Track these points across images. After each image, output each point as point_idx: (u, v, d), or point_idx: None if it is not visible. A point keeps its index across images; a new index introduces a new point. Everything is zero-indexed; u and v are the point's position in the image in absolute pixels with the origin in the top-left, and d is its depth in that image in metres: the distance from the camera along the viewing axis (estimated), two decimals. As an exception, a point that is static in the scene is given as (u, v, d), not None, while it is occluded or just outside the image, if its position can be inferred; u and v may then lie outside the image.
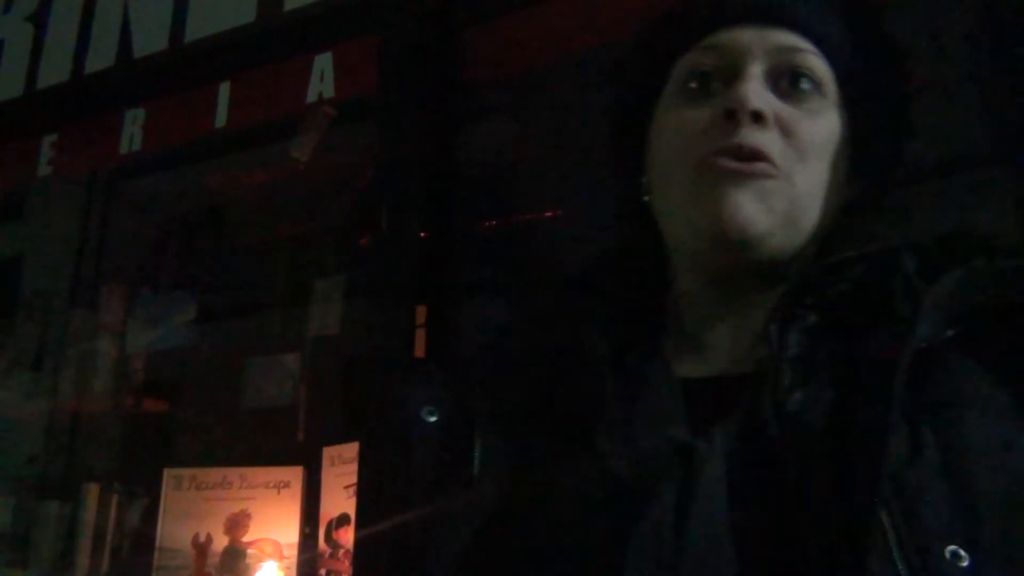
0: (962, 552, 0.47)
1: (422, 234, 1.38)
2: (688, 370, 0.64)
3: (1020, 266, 0.59)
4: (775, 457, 0.53)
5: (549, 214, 1.74)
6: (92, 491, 1.86)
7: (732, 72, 0.64)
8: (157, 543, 1.72)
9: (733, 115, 0.62)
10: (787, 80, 0.64)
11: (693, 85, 0.66)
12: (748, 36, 0.65)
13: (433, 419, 0.65)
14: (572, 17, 1.45)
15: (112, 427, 2.08)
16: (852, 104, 0.66)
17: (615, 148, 0.76)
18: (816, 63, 0.65)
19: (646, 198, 0.70)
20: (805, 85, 0.64)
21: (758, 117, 0.61)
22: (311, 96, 1.60)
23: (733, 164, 0.61)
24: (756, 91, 0.62)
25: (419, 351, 1.32)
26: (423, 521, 0.62)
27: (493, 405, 0.65)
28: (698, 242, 0.64)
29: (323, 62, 1.60)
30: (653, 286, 0.70)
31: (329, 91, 1.59)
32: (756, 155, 0.61)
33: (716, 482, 0.53)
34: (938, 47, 1.45)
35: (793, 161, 0.62)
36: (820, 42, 0.66)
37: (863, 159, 0.67)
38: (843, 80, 0.66)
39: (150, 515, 1.78)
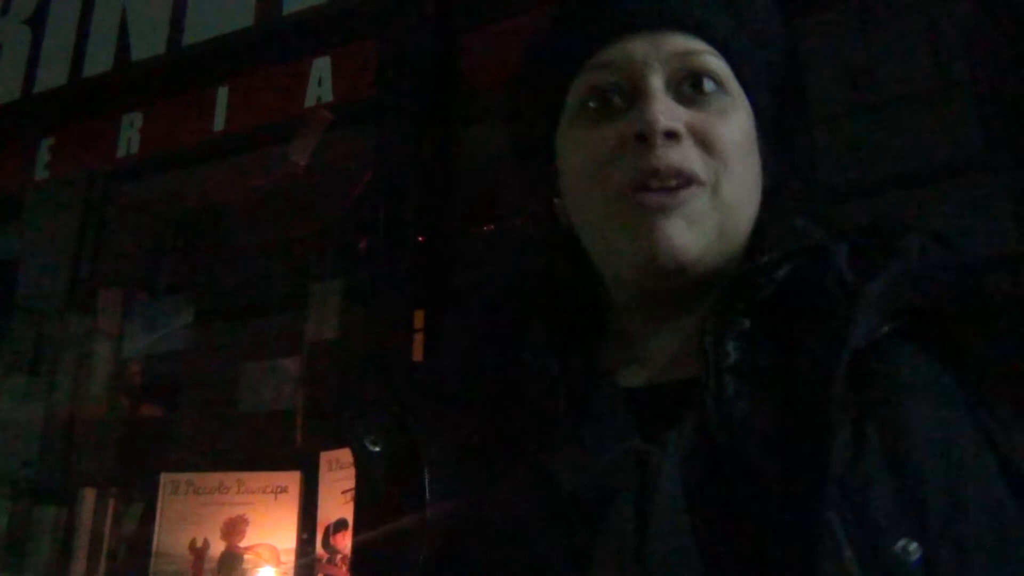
0: (912, 545, 0.47)
1: (420, 238, 1.38)
2: (632, 379, 0.63)
3: (949, 261, 0.59)
4: (721, 458, 0.53)
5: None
6: (89, 496, 1.86)
7: (632, 87, 0.62)
8: (154, 548, 1.71)
9: (644, 140, 0.60)
10: (689, 84, 0.63)
11: (592, 105, 0.64)
12: (641, 47, 0.63)
13: (377, 449, 0.63)
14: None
15: (109, 431, 2.07)
16: (752, 95, 0.65)
17: (521, 177, 0.74)
18: (714, 62, 0.63)
19: (563, 220, 0.68)
20: (708, 87, 0.63)
21: (672, 135, 0.60)
22: (309, 100, 1.60)
23: (656, 199, 0.59)
24: (664, 109, 0.60)
25: (417, 355, 1.31)
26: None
27: (439, 430, 0.63)
28: (628, 271, 0.63)
29: (321, 66, 1.60)
30: (587, 299, 0.69)
31: (327, 95, 1.59)
32: (677, 174, 0.59)
33: (673, 487, 0.53)
34: (934, 53, 1.45)
35: (716, 171, 0.61)
36: (713, 39, 0.64)
37: (768, 150, 0.67)
38: (740, 73, 0.65)
39: (147, 520, 1.78)
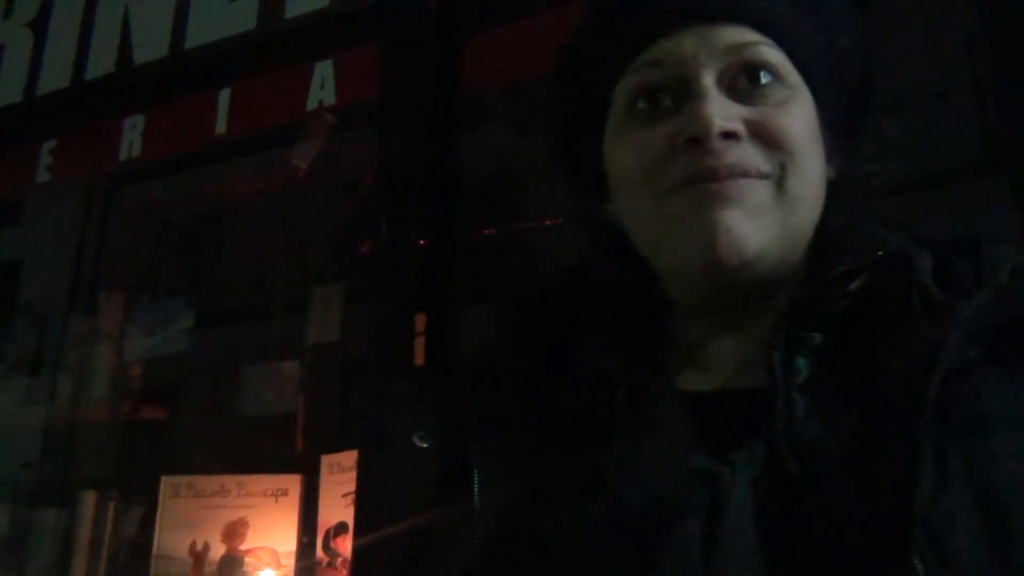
0: None
1: (422, 241, 1.38)
2: (692, 384, 0.60)
3: None
4: (793, 485, 0.50)
5: (549, 222, 1.75)
6: (89, 498, 1.86)
7: (682, 85, 0.58)
8: (154, 551, 1.71)
9: (699, 142, 0.56)
10: (744, 78, 0.58)
11: (642, 105, 0.60)
12: (690, 42, 0.58)
13: (426, 444, 0.61)
14: (572, 26, 1.45)
15: (110, 434, 2.07)
16: (815, 85, 0.61)
17: (568, 182, 0.70)
18: (770, 53, 0.59)
19: (615, 224, 0.64)
20: (765, 78, 0.58)
21: (730, 135, 0.56)
22: (311, 104, 1.60)
23: (715, 187, 0.55)
24: (718, 109, 0.56)
25: (419, 359, 1.31)
26: (422, 532, 0.60)
27: (488, 427, 0.60)
28: (688, 270, 0.59)
29: (324, 70, 1.60)
30: (643, 303, 0.64)
31: (330, 99, 1.59)
32: (740, 173, 0.55)
33: (743, 510, 0.50)
34: (937, 56, 1.45)
35: (781, 163, 0.57)
36: (768, 29, 0.59)
37: (833, 144, 0.62)
38: (799, 61, 0.60)
39: (147, 523, 1.78)
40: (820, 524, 0.48)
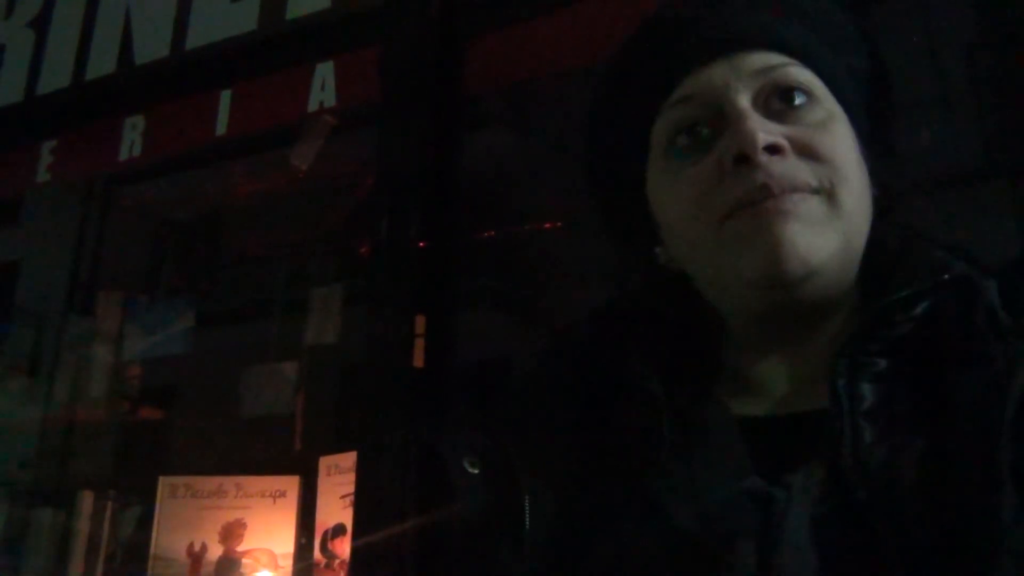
0: None
1: (422, 243, 1.38)
2: (745, 409, 0.59)
3: None
4: (859, 511, 0.49)
5: (548, 225, 1.75)
6: (87, 498, 1.85)
7: (720, 115, 0.59)
8: (151, 551, 1.71)
9: (746, 159, 0.56)
10: (778, 100, 0.59)
11: (683, 141, 0.60)
12: (719, 72, 0.59)
13: (476, 471, 0.60)
14: (572, 30, 1.45)
15: (108, 434, 2.07)
16: (847, 101, 0.62)
17: (616, 233, 0.70)
18: (799, 73, 0.60)
19: (670, 265, 0.64)
20: (799, 99, 0.59)
21: (776, 150, 0.56)
22: (312, 105, 1.60)
23: (772, 204, 0.55)
24: (759, 126, 0.56)
25: (418, 361, 1.31)
26: (477, 559, 0.60)
27: (538, 452, 0.60)
28: (753, 287, 0.58)
29: (325, 71, 1.60)
30: (697, 338, 0.64)
31: (330, 100, 1.59)
32: (790, 187, 0.55)
33: (800, 535, 0.49)
34: (936, 62, 1.46)
35: (830, 179, 0.56)
36: (793, 52, 0.60)
37: (870, 160, 0.62)
38: (829, 82, 0.61)
39: (145, 523, 1.77)
40: (889, 550, 0.48)
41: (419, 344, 1.32)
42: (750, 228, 0.56)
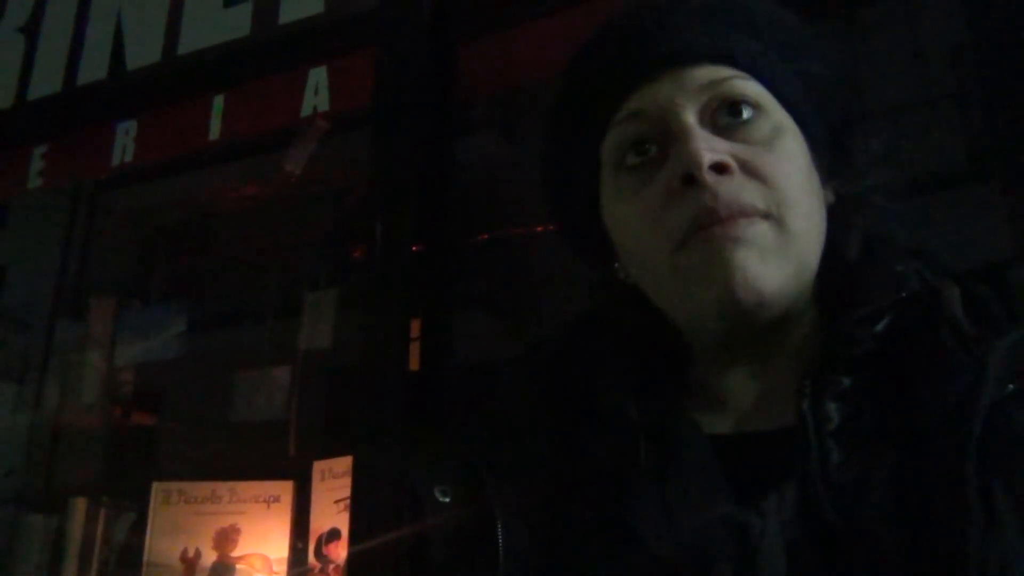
0: None
1: (416, 247, 1.38)
2: (711, 426, 0.59)
3: None
4: (831, 533, 0.49)
5: (541, 228, 1.75)
6: (79, 505, 1.84)
7: (666, 131, 0.58)
8: (145, 558, 1.70)
9: (692, 179, 0.55)
10: (725, 114, 0.58)
11: (632, 160, 0.59)
12: (665, 88, 0.58)
13: (447, 499, 0.59)
14: (565, 34, 1.46)
15: (100, 440, 2.06)
16: (798, 109, 0.61)
17: (574, 247, 0.70)
18: (745, 85, 0.59)
19: (628, 281, 0.64)
20: (746, 113, 0.58)
21: (722, 169, 0.55)
22: (306, 109, 1.60)
23: (721, 230, 0.54)
24: (704, 145, 0.56)
25: (413, 364, 1.31)
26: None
27: (510, 476, 0.59)
28: (706, 316, 0.58)
29: (318, 75, 1.60)
30: (662, 348, 0.64)
31: (324, 104, 1.59)
32: (737, 209, 0.55)
33: (776, 562, 0.49)
34: (922, 64, 1.47)
35: (779, 204, 0.56)
36: (740, 64, 0.59)
37: (826, 166, 0.62)
38: (778, 92, 0.60)
39: (138, 529, 1.77)
40: (862, 571, 0.48)
41: (414, 347, 1.32)
42: (701, 259, 0.55)
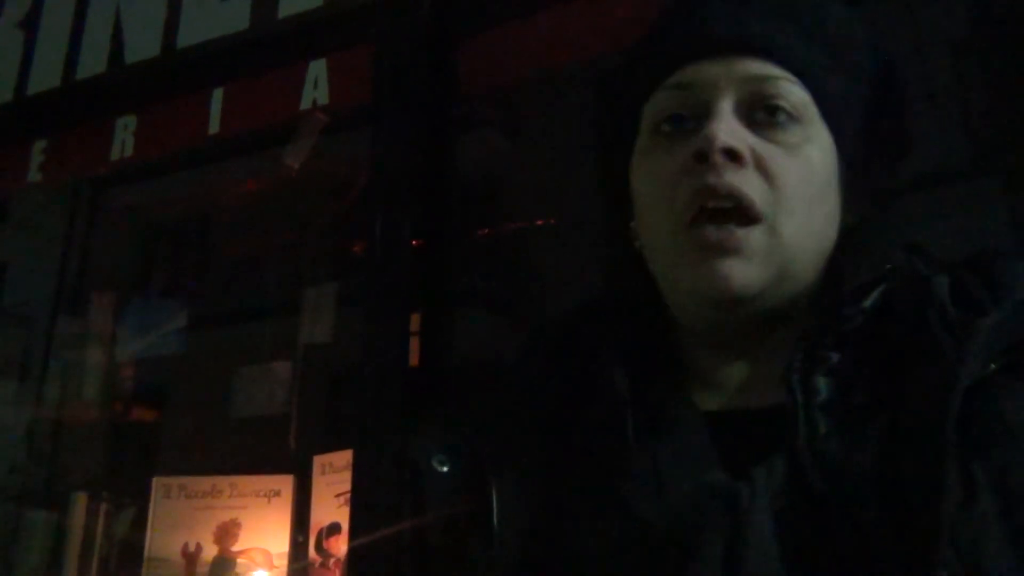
0: None
1: (415, 242, 1.38)
2: (705, 403, 0.61)
3: None
4: (818, 502, 0.51)
5: (541, 223, 1.75)
6: (80, 500, 1.85)
7: (702, 108, 0.61)
8: (146, 553, 1.70)
9: (704, 157, 0.58)
10: (762, 112, 0.60)
11: (666, 128, 0.62)
12: (715, 70, 0.61)
13: (445, 469, 0.62)
14: (565, 30, 1.46)
15: (101, 435, 2.06)
16: (839, 125, 0.62)
17: (602, 196, 0.73)
18: (791, 90, 0.61)
19: (637, 244, 0.67)
20: (782, 117, 0.60)
21: (732, 155, 0.58)
22: (305, 103, 1.59)
23: (713, 235, 0.57)
24: (726, 128, 0.58)
25: (413, 360, 1.31)
26: (444, 555, 0.61)
27: (507, 449, 0.62)
28: (691, 302, 0.62)
29: (317, 69, 1.60)
30: (661, 322, 0.67)
31: (323, 98, 1.59)
32: (733, 196, 0.57)
33: (765, 529, 0.51)
34: (923, 59, 1.47)
35: (776, 208, 0.58)
36: (793, 66, 0.61)
37: (854, 185, 0.63)
38: (822, 103, 0.62)
39: (139, 524, 1.77)
40: (846, 540, 0.49)
41: (414, 343, 1.32)
42: (691, 250, 0.59)
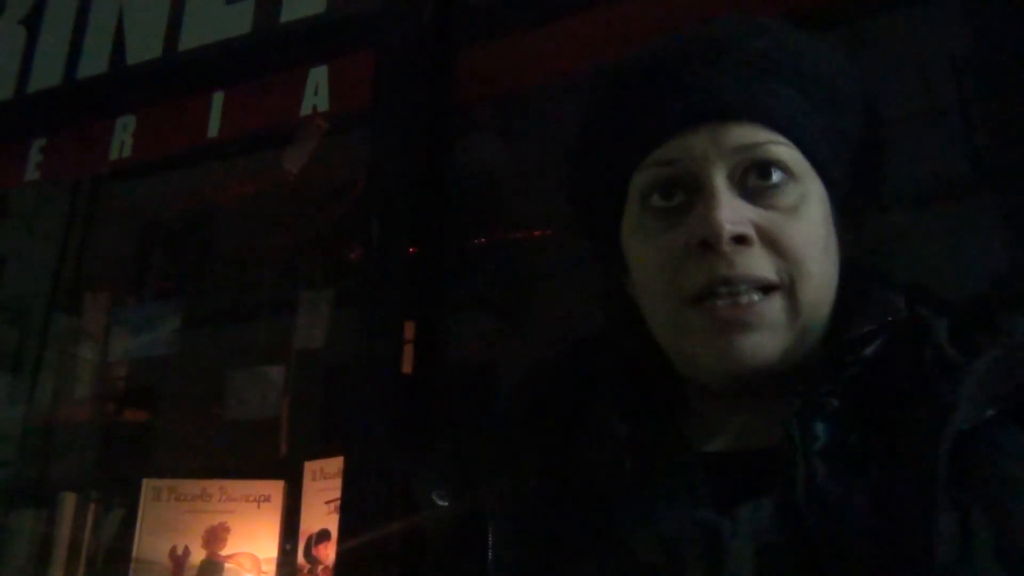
0: None
1: (412, 249, 1.38)
2: (709, 444, 0.61)
3: None
4: (808, 541, 0.51)
5: (538, 232, 1.75)
6: (68, 500, 1.84)
7: (693, 182, 0.59)
8: (133, 555, 1.69)
9: (711, 247, 0.57)
10: (755, 175, 0.59)
11: (656, 202, 0.61)
12: (700, 142, 0.59)
13: (444, 503, 0.62)
14: (564, 40, 1.46)
15: (91, 435, 2.05)
16: (829, 173, 0.62)
17: (590, 253, 0.72)
18: (779, 151, 0.60)
19: (633, 294, 0.66)
20: (776, 177, 0.59)
21: (742, 240, 0.57)
22: (305, 109, 1.59)
23: (729, 312, 0.57)
24: (729, 212, 0.57)
25: (407, 367, 1.31)
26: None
27: (504, 487, 0.62)
28: (703, 376, 0.61)
29: (318, 75, 1.60)
30: (660, 371, 0.65)
31: (323, 105, 1.59)
32: (750, 281, 0.57)
33: (744, 564, 0.51)
34: (924, 77, 1.47)
35: (791, 274, 0.58)
36: (778, 125, 0.60)
37: (844, 222, 0.63)
38: (811, 156, 0.61)
39: (127, 526, 1.76)
40: None
41: (408, 350, 1.32)
42: (708, 327, 0.58)
